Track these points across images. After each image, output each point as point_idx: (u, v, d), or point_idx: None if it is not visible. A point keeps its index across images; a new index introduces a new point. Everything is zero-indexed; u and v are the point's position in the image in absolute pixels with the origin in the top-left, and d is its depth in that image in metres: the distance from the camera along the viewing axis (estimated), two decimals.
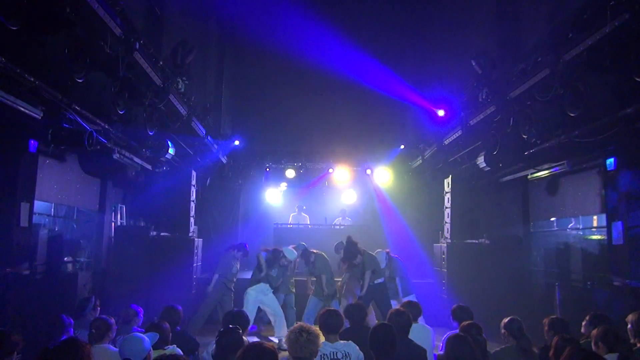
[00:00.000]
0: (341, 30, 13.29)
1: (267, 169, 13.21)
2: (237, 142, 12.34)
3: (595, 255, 7.22)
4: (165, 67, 7.01)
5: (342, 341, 3.84)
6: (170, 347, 3.89)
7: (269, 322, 7.84)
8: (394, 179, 13.00)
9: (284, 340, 3.62)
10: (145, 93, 6.55)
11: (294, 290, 8.27)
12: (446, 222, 10.04)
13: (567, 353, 3.15)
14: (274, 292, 7.60)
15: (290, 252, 7.67)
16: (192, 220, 9.67)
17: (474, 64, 7.88)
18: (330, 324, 3.90)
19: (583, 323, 4.49)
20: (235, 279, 8.19)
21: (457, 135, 8.96)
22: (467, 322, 4.31)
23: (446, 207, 10.06)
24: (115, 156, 7.25)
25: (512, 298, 8.25)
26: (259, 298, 7.33)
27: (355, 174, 13.31)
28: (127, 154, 7.67)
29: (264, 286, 7.40)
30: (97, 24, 4.84)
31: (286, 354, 3.36)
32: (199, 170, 10.53)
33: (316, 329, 3.38)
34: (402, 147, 12.38)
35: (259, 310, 7.59)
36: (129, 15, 5.41)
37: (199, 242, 9.77)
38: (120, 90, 5.87)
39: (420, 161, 11.91)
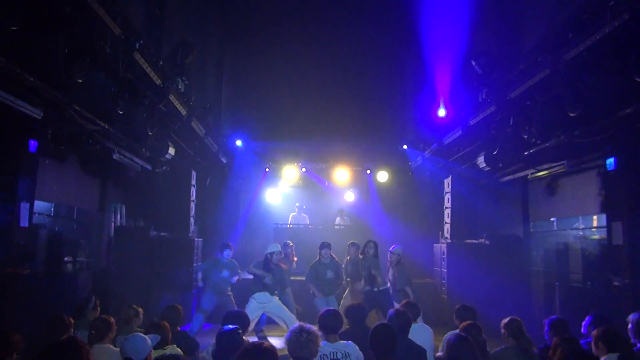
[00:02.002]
0: (341, 30, 13.30)
1: (267, 169, 13.22)
2: (238, 142, 12.38)
3: (595, 255, 7.22)
4: (165, 67, 7.01)
5: (342, 341, 3.83)
6: (170, 347, 3.89)
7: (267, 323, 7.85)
8: (394, 179, 13.01)
9: None
10: (145, 93, 6.55)
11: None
12: (446, 222, 10.04)
13: (560, 352, 3.14)
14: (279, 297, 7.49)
15: (273, 246, 7.59)
16: (192, 220, 9.67)
17: (473, 64, 7.88)
18: (330, 324, 3.90)
19: (583, 323, 4.49)
20: (221, 284, 7.81)
21: (457, 135, 8.97)
22: (467, 322, 4.31)
23: (446, 207, 10.07)
24: (115, 156, 7.25)
25: (512, 298, 8.25)
26: (260, 306, 7.17)
27: (355, 174, 13.32)
28: (127, 154, 7.67)
29: (263, 295, 7.21)
30: (97, 24, 4.84)
31: None
32: (199, 170, 10.53)
33: (316, 329, 3.38)
34: (405, 147, 12.38)
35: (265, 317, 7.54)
36: (129, 15, 5.41)
37: (199, 242, 9.77)
38: (120, 90, 5.87)
39: (420, 161, 11.92)
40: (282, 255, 7.87)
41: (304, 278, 8.06)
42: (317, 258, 7.83)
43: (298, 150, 13.09)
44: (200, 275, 8.20)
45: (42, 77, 4.89)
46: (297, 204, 12.86)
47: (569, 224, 8.08)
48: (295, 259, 8.72)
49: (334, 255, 7.92)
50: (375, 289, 7.19)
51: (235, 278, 7.91)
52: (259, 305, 7.10)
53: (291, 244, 8.68)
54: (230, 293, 7.93)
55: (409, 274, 7.79)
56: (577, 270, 7.67)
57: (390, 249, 7.80)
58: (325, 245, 7.80)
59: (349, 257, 8.23)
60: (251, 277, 7.55)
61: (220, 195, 12.59)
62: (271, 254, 7.41)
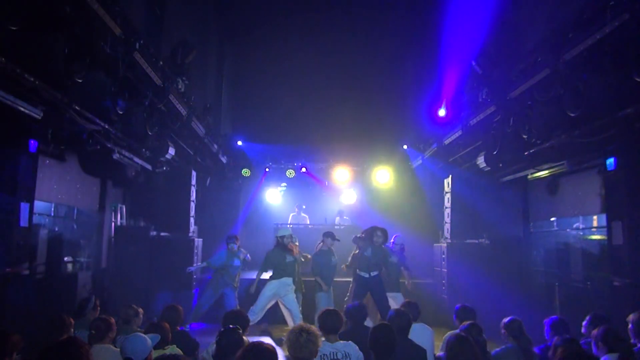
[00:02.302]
0: (342, 30, 13.30)
1: (267, 169, 13.22)
2: (238, 142, 12.39)
3: (595, 255, 7.22)
4: (165, 67, 7.01)
5: (342, 341, 3.83)
6: (170, 347, 3.89)
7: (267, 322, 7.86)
8: (394, 179, 13.01)
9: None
10: (145, 93, 6.54)
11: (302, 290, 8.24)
12: (446, 222, 10.04)
13: (560, 353, 3.15)
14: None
15: (284, 230, 7.70)
16: (192, 220, 9.67)
17: (473, 64, 7.88)
18: (330, 324, 3.90)
19: (583, 323, 4.49)
20: (231, 271, 8.04)
21: (457, 135, 8.97)
22: (467, 323, 4.31)
23: (446, 207, 10.06)
24: (115, 156, 7.25)
25: (512, 298, 8.25)
26: (279, 293, 7.23)
27: (355, 174, 13.31)
28: (127, 154, 7.67)
29: (287, 280, 7.29)
30: (97, 24, 4.84)
31: None
32: (199, 170, 10.53)
33: (316, 329, 3.38)
34: (405, 147, 12.39)
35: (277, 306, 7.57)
36: (129, 15, 5.41)
37: (199, 242, 9.77)
38: (120, 90, 5.87)
39: (420, 161, 11.91)
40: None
41: (310, 278, 8.15)
42: (319, 247, 7.93)
43: (298, 150, 13.08)
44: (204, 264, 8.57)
45: (42, 77, 4.89)
46: (297, 204, 12.86)
47: (569, 224, 8.08)
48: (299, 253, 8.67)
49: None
50: (367, 275, 7.09)
51: (248, 256, 8.24)
52: (273, 295, 7.18)
53: (297, 243, 8.59)
54: (236, 286, 8.06)
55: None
56: (577, 270, 7.67)
57: (393, 239, 8.04)
58: (330, 235, 7.94)
59: (357, 251, 8.24)
60: (254, 277, 7.60)
61: (220, 195, 12.59)
62: (282, 237, 7.49)
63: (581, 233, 7.72)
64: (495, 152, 7.85)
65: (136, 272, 8.37)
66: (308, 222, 12.47)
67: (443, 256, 9.62)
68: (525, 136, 6.65)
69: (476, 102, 8.06)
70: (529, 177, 8.84)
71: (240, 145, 12.65)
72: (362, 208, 13.36)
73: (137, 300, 6.27)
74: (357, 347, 3.79)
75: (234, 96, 14.63)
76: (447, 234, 9.94)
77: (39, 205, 6.30)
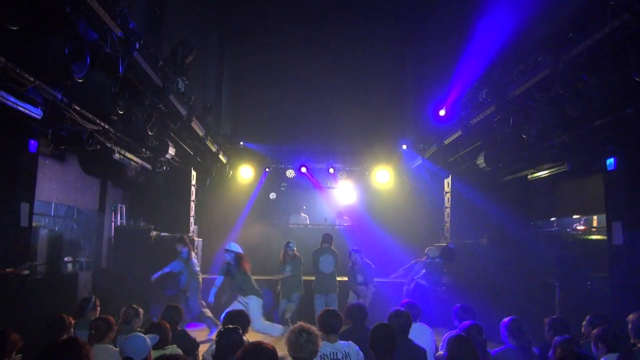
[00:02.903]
0: (342, 30, 13.30)
1: (267, 169, 13.22)
2: (241, 143, 12.41)
3: (595, 255, 7.22)
4: (165, 67, 7.01)
5: (342, 341, 3.83)
6: (170, 347, 3.89)
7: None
8: (394, 179, 13.01)
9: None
10: (145, 93, 6.54)
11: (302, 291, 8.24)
12: (446, 222, 10.04)
13: (558, 353, 3.15)
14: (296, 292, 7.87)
15: (232, 246, 7.59)
16: (192, 220, 9.67)
17: (474, 64, 7.88)
18: (330, 324, 3.89)
19: (583, 323, 4.49)
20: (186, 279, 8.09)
21: (457, 135, 8.97)
22: (467, 323, 4.31)
23: (446, 207, 10.07)
24: (115, 156, 7.25)
25: (512, 298, 8.25)
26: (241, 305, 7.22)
27: (355, 174, 13.32)
28: (127, 154, 7.67)
29: (242, 299, 7.24)
30: (97, 24, 4.84)
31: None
32: (199, 170, 10.53)
33: (316, 329, 3.38)
34: (405, 147, 12.40)
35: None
36: (129, 15, 5.41)
37: (199, 242, 9.77)
38: (120, 90, 5.87)
39: (420, 161, 11.92)
40: (232, 263, 7.50)
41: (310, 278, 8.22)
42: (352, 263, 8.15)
43: (298, 150, 13.09)
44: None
45: (42, 77, 4.89)
46: (298, 204, 12.86)
47: (569, 224, 8.07)
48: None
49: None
50: None
51: (184, 280, 8.02)
52: (239, 304, 7.20)
53: (295, 250, 8.50)
54: (184, 289, 8.03)
55: None
56: (577, 270, 7.67)
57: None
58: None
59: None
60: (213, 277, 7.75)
61: (221, 195, 12.59)
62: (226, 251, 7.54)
63: (581, 233, 7.72)
64: (495, 152, 7.85)
65: (136, 272, 8.37)
66: (308, 223, 12.47)
67: None
68: (525, 136, 6.65)
69: (476, 102, 8.06)
70: (529, 177, 8.84)
71: (240, 146, 12.67)
72: (362, 208, 13.36)
73: (137, 300, 6.27)
74: (357, 347, 3.79)
75: (234, 96, 14.62)
76: (447, 234, 9.94)
77: (39, 205, 6.30)
